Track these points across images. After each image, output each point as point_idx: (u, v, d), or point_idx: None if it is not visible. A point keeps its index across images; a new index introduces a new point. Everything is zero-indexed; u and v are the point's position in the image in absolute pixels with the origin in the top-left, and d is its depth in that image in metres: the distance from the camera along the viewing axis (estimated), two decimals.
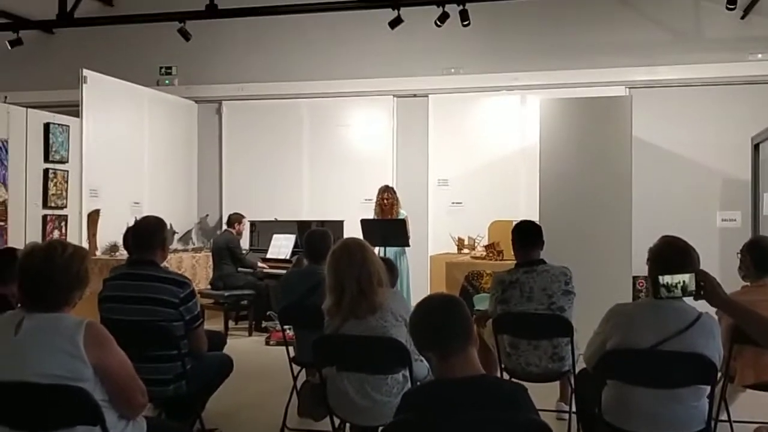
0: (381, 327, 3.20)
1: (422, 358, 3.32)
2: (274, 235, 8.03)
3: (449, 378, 2.10)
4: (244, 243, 8.47)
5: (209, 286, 7.73)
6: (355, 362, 3.23)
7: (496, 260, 6.75)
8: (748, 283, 3.87)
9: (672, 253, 2.83)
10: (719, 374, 3.48)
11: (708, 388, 2.95)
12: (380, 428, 3.10)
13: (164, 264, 3.83)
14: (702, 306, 2.97)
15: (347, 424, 3.72)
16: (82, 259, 2.47)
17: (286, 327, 4.88)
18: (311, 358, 3.46)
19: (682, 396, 2.92)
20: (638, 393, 2.94)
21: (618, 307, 3.07)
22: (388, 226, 7.09)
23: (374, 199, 7.83)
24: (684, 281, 2.42)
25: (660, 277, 2.45)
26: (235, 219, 7.99)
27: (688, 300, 2.63)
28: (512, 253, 4.35)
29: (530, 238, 4.19)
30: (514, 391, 2.14)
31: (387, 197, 7.68)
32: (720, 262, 6.40)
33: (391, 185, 7.91)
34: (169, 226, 8.37)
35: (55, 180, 8.06)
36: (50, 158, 8.02)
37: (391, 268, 3.91)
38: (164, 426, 2.73)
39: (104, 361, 2.36)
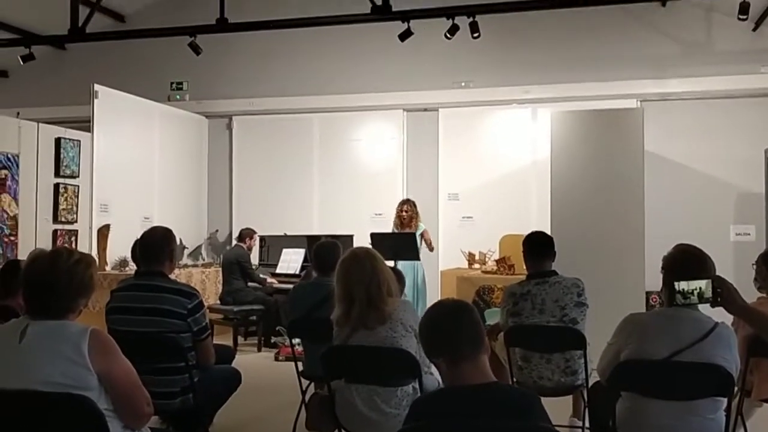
0: (391, 338, 3.15)
1: (432, 372, 3.28)
2: (284, 250, 8.00)
3: (460, 385, 2.05)
4: (254, 258, 8.45)
5: (218, 302, 7.69)
6: (364, 373, 3.18)
7: (508, 274, 6.68)
8: (764, 295, 3.80)
9: (687, 260, 2.77)
10: (735, 388, 3.42)
11: (725, 401, 2.88)
12: None
13: (173, 276, 3.80)
14: (718, 315, 2.92)
15: None
16: (88, 266, 2.44)
17: (295, 342, 4.83)
18: (320, 371, 3.41)
19: (699, 408, 2.84)
20: (653, 405, 2.87)
21: (632, 316, 3.00)
22: (399, 239, 7.05)
23: (390, 212, 7.82)
24: (700, 288, 2.35)
25: (676, 284, 2.39)
26: (246, 234, 7.98)
27: (705, 307, 2.57)
28: (524, 266, 4.30)
29: (542, 249, 4.13)
30: (527, 399, 2.09)
31: (407, 209, 7.66)
32: (734, 276, 6.17)
33: (411, 198, 7.87)
34: (179, 241, 8.42)
35: (65, 195, 8.09)
36: (61, 173, 8.05)
37: (399, 278, 3.86)
38: None
39: (109, 369, 2.32)
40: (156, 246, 3.64)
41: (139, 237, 3.86)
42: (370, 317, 3.18)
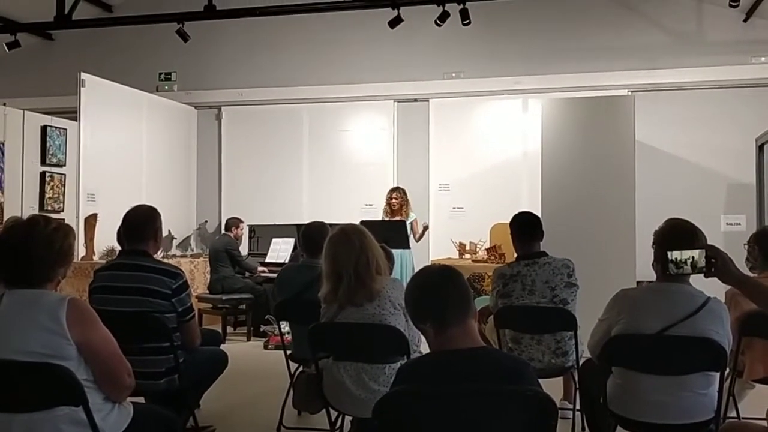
0: (379, 315, 3.10)
1: (421, 351, 3.23)
2: (273, 240, 7.94)
3: (447, 349, 2.00)
4: (244, 248, 8.38)
5: (207, 291, 7.62)
6: (352, 351, 3.13)
7: (498, 263, 6.63)
8: (756, 275, 3.77)
9: (679, 231, 2.74)
10: (728, 368, 3.39)
11: (717, 376, 2.85)
12: None
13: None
14: (710, 290, 2.89)
15: (345, 420, 3.63)
16: (66, 234, 2.38)
17: (285, 331, 4.77)
18: (308, 353, 3.36)
19: (691, 383, 2.81)
20: (645, 381, 2.84)
21: (623, 292, 2.97)
22: (388, 227, 7.00)
23: (381, 202, 7.78)
24: (693, 257, 2.30)
25: (669, 253, 2.34)
26: (232, 223, 7.91)
27: (698, 279, 2.52)
28: (514, 255, 4.23)
29: (530, 229, 4.09)
30: (518, 365, 2.04)
31: (396, 197, 7.60)
32: None
33: (401, 186, 7.81)
34: (167, 232, 8.32)
35: (51, 183, 7.98)
36: (47, 161, 7.94)
37: (389, 256, 3.81)
38: (151, 411, 2.61)
39: (88, 339, 2.26)
40: (140, 224, 3.57)
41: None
42: (358, 294, 3.12)
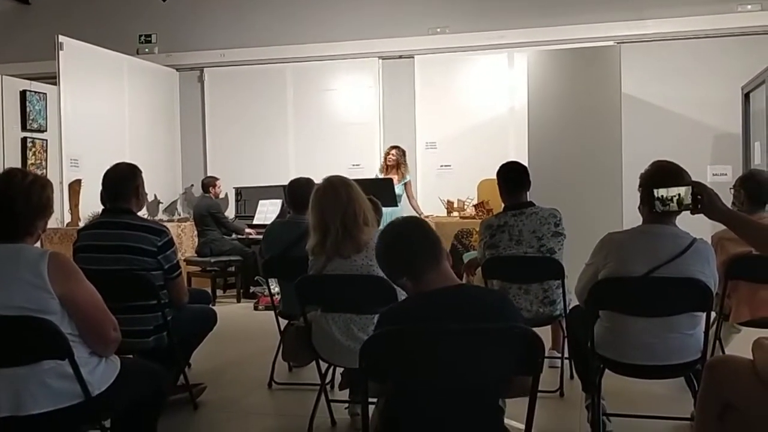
0: (367, 266, 3.09)
1: None
2: (260, 201, 7.90)
3: (427, 291, 2.00)
4: (230, 211, 8.35)
5: (195, 254, 7.59)
6: (340, 302, 3.12)
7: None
8: None
9: (665, 170, 2.72)
10: (714, 312, 3.41)
11: (703, 316, 2.86)
12: None
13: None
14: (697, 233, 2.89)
15: (335, 374, 3.64)
16: (44, 187, 2.34)
17: (275, 292, 4.75)
18: (296, 309, 3.35)
19: (677, 324, 2.83)
20: (632, 323, 2.86)
21: (609, 236, 2.97)
22: (376, 184, 6.95)
23: (368, 162, 7.73)
24: (680, 194, 2.29)
25: (655, 191, 2.33)
26: (208, 183, 7.86)
27: (687, 216, 2.51)
28: (501, 207, 4.20)
29: (517, 180, 4.06)
30: (497, 298, 2.04)
31: (393, 154, 7.55)
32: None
33: (399, 146, 7.74)
34: (153, 197, 8.23)
35: (34, 149, 7.89)
36: (28, 127, 7.83)
37: (376, 208, 3.78)
38: (139, 365, 2.60)
39: (71, 292, 2.23)
40: (120, 182, 3.52)
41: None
42: (345, 246, 3.11)
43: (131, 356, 3.35)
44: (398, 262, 2.10)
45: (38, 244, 2.46)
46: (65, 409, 2.22)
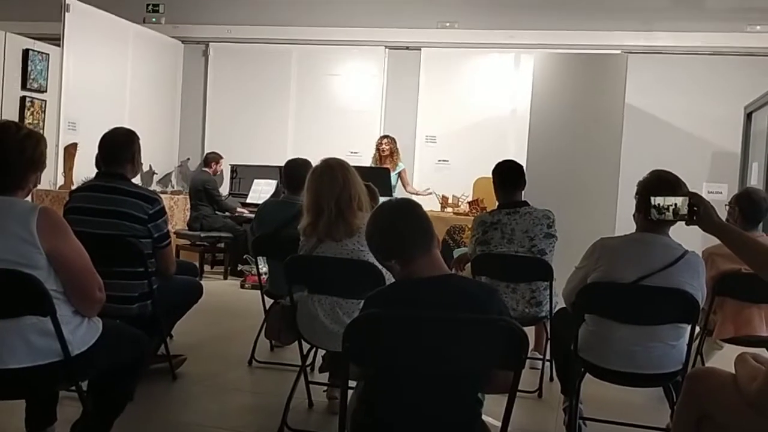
0: (358, 251, 3.08)
1: None
2: (255, 180, 7.87)
3: (415, 277, 1.99)
4: (225, 188, 8.32)
5: (186, 228, 7.56)
6: (328, 285, 3.11)
7: None
8: None
9: (663, 179, 2.72)
10: (698, 327, 3.41)
11: (688, 328, 2.87)
12: None
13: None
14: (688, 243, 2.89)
15: (317, 355, 3.64)
16: (38, 141, 2.32)
17: (262, 272, 4.74)
18: (284, 289, 3.33)
19: (662, 334, 2.83)
20: (616, 329, 2.86)
21: (602, 241, 2.97)
22: (371, 174, 6.93)
23: (366, 150, 7.72)
24: (676, 204, 2.29)
25: (652, 198, 2.33)
26: (212, 158, 7.82)
27: (679, 230, 2.51)
28: (495, 205, 4.20)
29: (513, 178, 4.06)
30: (484, 290, 2.03)
31: (386, 144, 7.55)
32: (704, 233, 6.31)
33: (391, 135, 7.74)
34: (148, 167, 8.17)
35: (32, 109, 7.82)
36: (28, 86, 7.76)
37: (373, 194, 3.77)
38: (121, 329, 2.58)
39: (59, 248, 2.21)
40: (117, 147, 3.50)
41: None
42: (338, 229, 3.09)
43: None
44: (389, 243, 2.07)
45: (29, 199, 2.43)
46: (43, 366, 2.21)
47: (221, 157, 7.88)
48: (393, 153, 7.55)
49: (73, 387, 2.39)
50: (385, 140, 7.58)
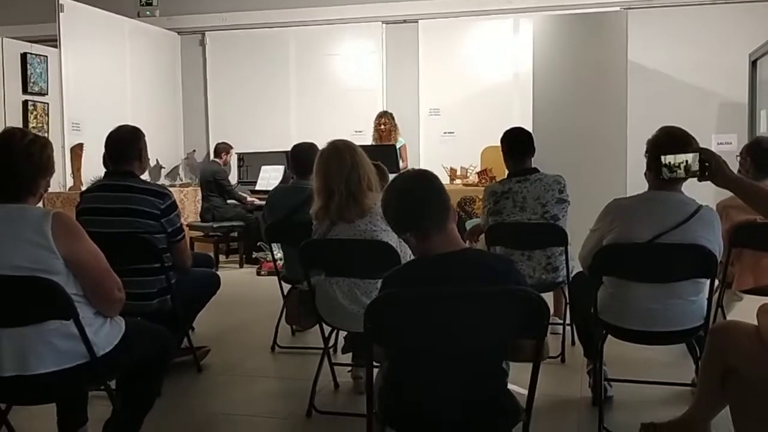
0: (371, 231, 3.08)
1: None
2: (263, 167, 7.87)
3: (431, 254, 1.98)
4: (233, 177, 8.32)
5: (198, 219, 7.59)
6: (344, 266, 3.12)
7: None
8: None
9: (672, 136, 2.70)
10: (717, 280, 3.40)
11: (707, 283, 2.86)
12: None
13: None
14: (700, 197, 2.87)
15: (339, 337, 3.66)
16: (44, 146, 2.32)
17: (277, 258, 4.75)
18: (300, 274, 3.35)
19: (681, 290, 2.82)
20: (635, 289, 2.85)
21: (615, 202, 2.96)
22: (378, 151, 6.92)
23: (370, 128, 7.69)
24: (687, 161, 2.27)
25: (662, 157, 2.31)
26: (222, 149, 7.82)
27: (691, 184, 2.49)
28: (504, 174, 4.18)
29: (521, 146, 4.04)
30: (502, 263, 2.03)
31: (384, 122, 7.52)
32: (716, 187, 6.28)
33: (388, 111, 7.71)
34: (155, 162, 8.19)
35: (35, 113, 7.84)
36: (29, 90, 7.78)
37: (382, 173, 3.77)
38: (144, 326, 2.61)
39: (75, 252, 2.22)
40: (124, 145, 3.51)
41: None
42: (349, 210, 3.09)
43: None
44: (408, 217, 2.04)
45: (40, 205, 2.44)
46: (70, 368, 2.23)
47: (231, 147, 7.89)
48: (392, 131, 7.52)
49: (102, 387, 2.41)
50: (383, 119, 7.56)
